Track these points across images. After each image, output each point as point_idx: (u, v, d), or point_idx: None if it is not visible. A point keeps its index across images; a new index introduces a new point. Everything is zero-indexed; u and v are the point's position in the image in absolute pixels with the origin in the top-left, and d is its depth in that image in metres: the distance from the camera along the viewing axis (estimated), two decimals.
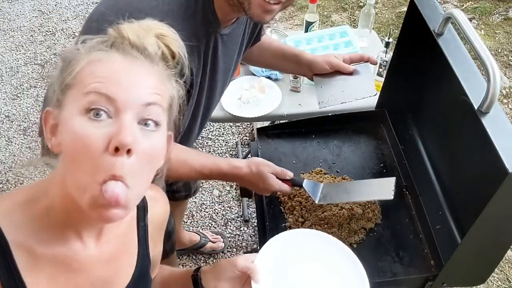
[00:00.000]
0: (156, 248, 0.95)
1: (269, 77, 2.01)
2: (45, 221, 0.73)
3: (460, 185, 1.20)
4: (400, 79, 1.43)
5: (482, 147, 0.95)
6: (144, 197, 0.86)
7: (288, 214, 1.32)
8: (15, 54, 3.38)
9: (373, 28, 2.21)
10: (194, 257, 2.28)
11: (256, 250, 2.24)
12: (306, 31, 2.17)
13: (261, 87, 1.94)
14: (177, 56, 0.79)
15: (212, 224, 2.41)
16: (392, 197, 1.18)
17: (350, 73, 1.40)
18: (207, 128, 2.82)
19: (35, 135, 2.82)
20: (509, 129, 0.95)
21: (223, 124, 2.85)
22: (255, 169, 1.20)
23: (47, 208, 0.73)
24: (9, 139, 2.82)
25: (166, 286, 1.04)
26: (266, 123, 2.05)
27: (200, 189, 2.47)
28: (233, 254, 2.29)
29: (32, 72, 3.24)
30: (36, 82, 3.17)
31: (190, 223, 2.41)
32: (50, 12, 3.75)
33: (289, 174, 1.22)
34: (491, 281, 2.10)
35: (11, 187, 2.57)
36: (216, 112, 1.53)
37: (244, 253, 2.28)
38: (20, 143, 2.79)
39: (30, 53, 3.38)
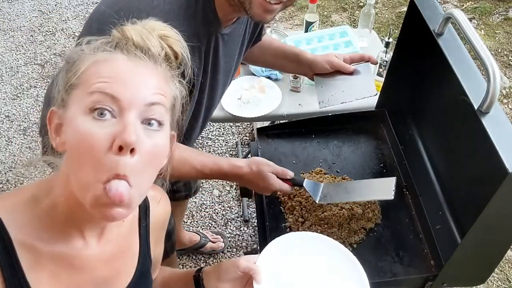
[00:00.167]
0: (157, 248, 0.96)
1: (269, 77, 2.01)
2: (48, 219, 0.74)
3: (460, 185, 1.20)
4: (400, 79, 1.44)
5: (482, 147, 0.95)
6: (146, 197, 0.87)
7: (288, 214, 1.32)
8: (15, 54, 3.38)
9: (373, 28, 2.21)
10: (194, 257, 2.28)
11: (256, 250, 2.24)
12: (306, 31, 2.18)
13: (261, 87, 1.94)
14: (180, 57, 0.79)
15: (212, 224, 2.41)
16: (392, 197, 1.19)
17: (351, 73, 1.40)
18: (207, 128, 2.82)
19: (35, 135, 2.82)
20: (509, 129, 0.95)
21: (223, 124, 2.85)
22: (255, 168, 1.20)
23: (50, 207, 0.74)
24: (9, 139, 2.82)
25: (167, 287, 1.04)
26: (266, 123, 2.05)
27: (200, 189, 2.47)
28: (233, 254, 2.30)
29: (32, 72, 3.24)
30: (36, 82, 3.17)
31: (190, 223, 2.41)
32: (50, 12, 3.75)
33: (290, 174, 1.22)
34: (491, 281, 2.10)
35: (11, 187, 2.57)
36: (216, 112, 1.53)
37: (244, 253, 2.28)
38: (20, 143, 2.80)
39: (30, 53, 3.38)
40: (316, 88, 1.43)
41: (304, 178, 1.25)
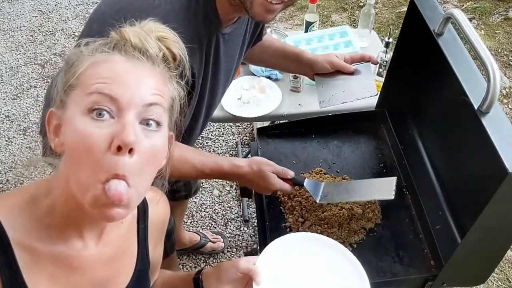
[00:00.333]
0: (156, 250, 0.96)
1: (269, 77, 2.01)
2: (47, 220, 0.74)
3: (460, 185, 1.20)
4: (400, 79, 1.44)
5: (482, 147, 0.95)
6: (144, 198, 0.86)
7: (288, 214, 1.32)
8: (15, 54, 3.38)
9: (373, 28, 2.21)
10: (194, 257, 2.28)
11: (256, 250, 2.24)
12: (306, 31, 2.18)
13: (261, 87, 1.94)
14: (178, 58, 0.80)
15: (212, 224, 2.41)
16: (393, 197, 1.19)
17: (351, 73, 1.40)
18: (207, 128, 2.82)
19: (35, 135, 2.82)
20: (509, 129, 0.95)
21: (223, 124, 2.85)
22: (256, 168, 1.20)
23: (49, 208, 0.74)
24: (9, 139, 2.82)
25: None
26: (266, 123, 2.05)
27: (200, 189, 2.47)
28: (233, 254, 2.30)
29: (32, 72, 3.24)
30: (36, 82, 3.17)
31: (190, 223, 2.41)
32: (50, 12, 3.75)
33: (290, 173, 1.22)
34: (491, 281, 2.10)
35: (11, 187, 2.57)
36: (216, 112, 1.53)
37: (244, 253, 2.28)
38: (20, 143, 2.80)
39: (30, 53, 3.38)
40: (316, 88, 1.43)
41: (305, 178, 1.25)
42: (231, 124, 2.85)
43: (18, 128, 2.88)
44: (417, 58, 1.31)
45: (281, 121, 1.87)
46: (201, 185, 2.50)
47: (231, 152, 2.73)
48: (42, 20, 3.67)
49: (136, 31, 0.75)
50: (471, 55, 1.11)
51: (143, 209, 0.88)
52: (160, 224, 0.95)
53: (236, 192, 2.51)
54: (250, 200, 2.41)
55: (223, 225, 2.40)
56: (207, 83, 1.21)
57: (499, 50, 3.30)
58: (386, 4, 3.78)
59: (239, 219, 2.42)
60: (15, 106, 3.02)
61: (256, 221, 1.95)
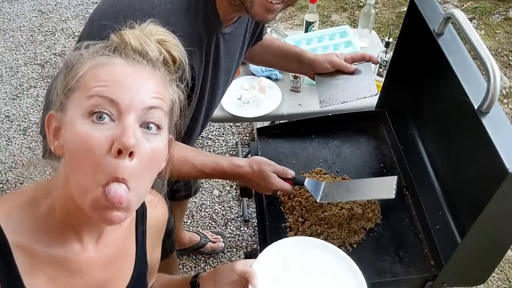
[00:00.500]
0: (154, 253, 0.96)
1: (269, 77, 2.01)
2: (46, 222, 0.74)
3: (460, 185, 1.20)
4: (400, 79, 1.44)
5: (482, 147, 0.95)
6: (143, 201, 0.86)
7: (288, 214, 1.32)
8: (15, 54, 3.38)
9: (373, 28, 2.21)
10: (194, 257, 2.28)
11: (256, 250, 2.24)
12: (306, 31, 2.18)
13: (261, 87, 1.94)
14: (178, 61, 0.80)
15: (212, 224, 2.41)
16: (393, 196, 1.19)
17: (352, 73, 1.40)
18: (207, 128, 2.82)
19: (35, 135, 2.82)
20: (509, 129, 0.95)
21: (223, 124, 2.85)
22: (256, 167, 1.20)
23: (48, 210, 0.74)
24: (9, 139, 2.82)
25: None
26: (266, 123, 2.05)
27: (200, 189, 2.47)
28: (233, 254, 2.30)
29: (32, 72, 3.24)
30: (36, 82, 3.17)
31: (190, 223, 2.41)
32: (50, 12, 3.75)
33: (291, 173, 1.22)
34: (491, 281, 2.10)
35: (11, 187, 2.57)
36: (216, 112, 1.53)
37: (244, 253, 2.28)
38: (20, 143, 2.80)
39: (30, 53, 3.38)
40: (317, 87, 1.43)
41: (305, 178, 1.25)
42: (231, 124, 2.85)
43: (18, 128, 2.88)
44: (417, 58, 1.31)
45: (281, 121, 1.87)
46: (201, 185, 2.50)
47: (231, 152, 2.73)
48: (42, 20, 3.67)
49: (136, 34, 0.75)
50: (471, 55, 1.11)
51: (141, 212, 0.88)
52: (159, 226, 0.95)
53: (236, 192, 2.51)
54: (250, 200, 2.41)
55: (223, 225, 2.40)
56: (207, 83, 1.21)
57: (499, 50, 3.30)
58: (386, 4, 3.78)
59: (239, 219, 2.42)
60: (15, 106, 3.02)
61: (256, 221, 1.95)
